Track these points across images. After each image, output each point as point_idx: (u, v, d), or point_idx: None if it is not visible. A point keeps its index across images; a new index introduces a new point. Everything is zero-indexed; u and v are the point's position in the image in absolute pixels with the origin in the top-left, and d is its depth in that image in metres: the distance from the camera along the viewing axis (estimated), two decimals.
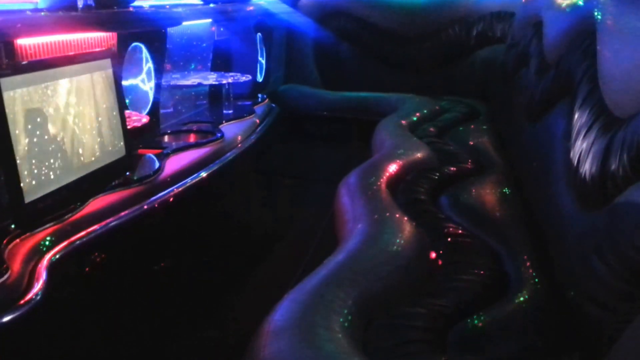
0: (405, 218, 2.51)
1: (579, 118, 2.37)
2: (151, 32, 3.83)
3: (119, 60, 3.41)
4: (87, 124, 2.79)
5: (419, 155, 3.48)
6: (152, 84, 3.95)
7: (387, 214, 2.54)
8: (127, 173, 3.03)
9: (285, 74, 6.47)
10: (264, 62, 5.85)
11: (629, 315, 1.52)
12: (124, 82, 3.59)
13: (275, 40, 6.11)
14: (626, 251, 1.62)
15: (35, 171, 2.41)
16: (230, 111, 4.75)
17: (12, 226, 2.29)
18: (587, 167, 2.08)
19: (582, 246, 1.92)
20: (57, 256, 2.27)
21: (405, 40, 6.29)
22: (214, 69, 5.13)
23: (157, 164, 3.20)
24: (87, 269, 2.51)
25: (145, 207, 2.88)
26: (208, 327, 3.00)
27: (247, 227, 4.10)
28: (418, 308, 1.97)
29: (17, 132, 2.32)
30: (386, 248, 2.23)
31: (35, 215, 2.37)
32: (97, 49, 3.18)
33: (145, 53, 3.89)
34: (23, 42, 2.63)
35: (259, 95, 5.43)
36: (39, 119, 2.46)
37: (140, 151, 3.41)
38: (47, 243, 2.30)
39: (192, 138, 4.01)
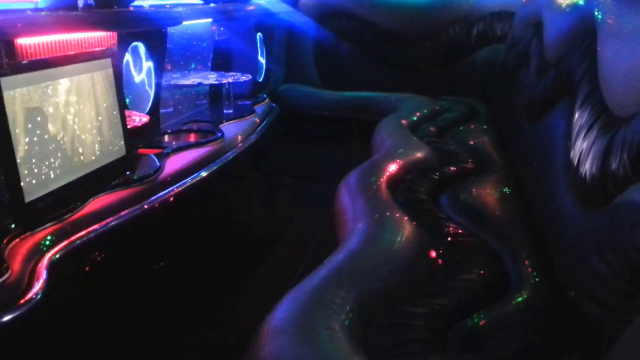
0: (406, 218, 2.51)
1: (579, 118, 2.37)
2: (151, 31, 3.83)
3: (119, 59, 3.41)
4: (87, 123, 2.79)
5: (419, 155, 3.48)
6: (152, 83, 3.95)
7: (387, 214, 2.54)
8: (127, 173, 3.03)
9: (285, 74, 6.47)
10: (264, 61, 5.85)
11: (629, 315, 1.52)
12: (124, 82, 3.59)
13: (276, 40, 6.11)
14: (626, 251, 1.62)
15: (36, 171, 2.41)
16: (231, 111, 4.75)
17: (13, 225, 2.29)
18: (587, 167, 2.08)
19: (582, 246, 1.92)
20: (57, 256, 2.28)
21: (405, 40, 6.29)
22: (214, 68, 5.13)
23: (157, 164, 3.20)
24: (87, 268, 2.51)
25: (145, 206, 2.88)
26: (208, 327, 3.00)
27: (247, 226, 4.10)
28: (418, 307, 1.97)
29: (17, 131, 2.32)
30: (386, 248, 2.23)
31: (36, 215, 2.37)
32: (97, 49, 3.18)
33: (145, 52, 3.89)
34: (23, 41, 2.63)
35: (259, 94, 5.43)
36: (39, 119, 2.46)
37: (141, 151, 3.41)
38: (47, 242, 2.30)
39: (192, 138, 4.01)
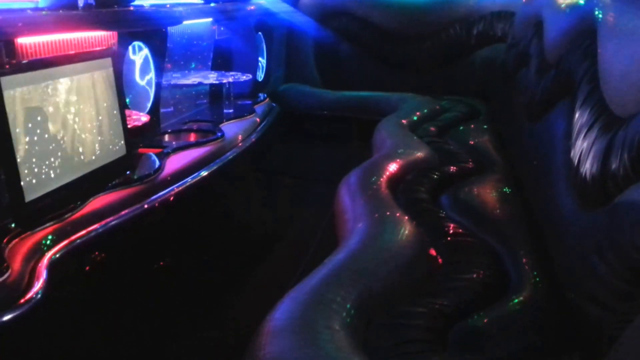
0: (406, 217, 2.51)
1: (579, 117, 2.37)
2: (152, 31, 3.83)
3: (120, 59, 3.41)
4: (88, 123, 2.79)
5: (419, 154, 3.48)
6: (152, 83, 3.95)
7: (388, 214, 2.54)
8: (128, 172, 3.03)
9: (285, 74, 6.47)
10: (264, 61, 5.84)
11: (629, 315, 1.52)
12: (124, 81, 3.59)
13: (276, 40, 6.11)
14: (626, 251, 1.62)
15: (36, 170, 2.41)
16: (231, 110, 4.75)
17: (13, 225, 2.29)
18: (587, 167, 2.08)
19: (583, 246, 1.92)
20: (58, 255, 2.27)
21: (405, 39, 6.28)
22: (215, 68, 5.13)
23: (157, 163, 3.20)
24: (87, 268, 2.51)
25: (146, 206, 2.88)
26: (208, 327, 3.00)
27: (247, 226, 4.10)
28: (418, 307, 1.97)
29: (17, 131, 2.32)
30: (386, 247, 2.23)
31: (36, 214, 2.37)
32: (98, 48, 3.18)
33: (145, 52, 3.89)
34: (24, 41, 2.63)
35: (260, 94, 5.43)
36: (39, 118, 2.46)
37: (141, 150, 3.41)
38: (47, 242, 2.30)
39: (192, 137, 4.01)
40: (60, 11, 2.86)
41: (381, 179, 3.00)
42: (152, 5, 3.85)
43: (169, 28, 4.06)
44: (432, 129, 4.46)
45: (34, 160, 2.40)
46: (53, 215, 2.42)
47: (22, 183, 2.32)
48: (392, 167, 3.18)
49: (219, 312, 3.12)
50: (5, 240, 2.19)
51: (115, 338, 2.62)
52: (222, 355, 2.78)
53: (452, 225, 2.60)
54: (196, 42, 4.81)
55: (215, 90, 5.02)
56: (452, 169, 3.40)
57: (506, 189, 3.11)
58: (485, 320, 1.96)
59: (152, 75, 3.95)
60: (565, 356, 1.85)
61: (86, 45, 3.09)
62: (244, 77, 4.82)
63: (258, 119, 4.74)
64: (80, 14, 2.95)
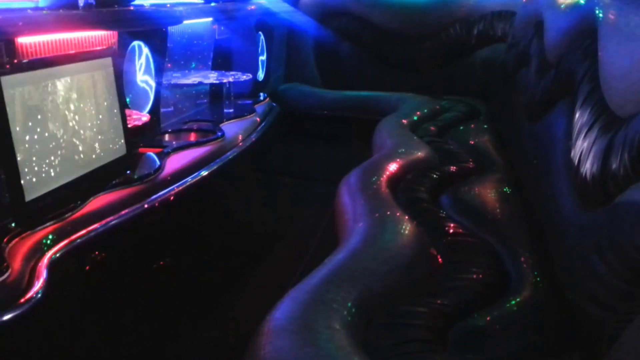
0: (406, 217, 2.51)
1: (579, 117, 2.37)
2: (152, 30, 3.83)
3: (120, 58, 3.41)
4: (88, 122, 2.79)
5: (419, 154, 3.48)
6: (152, 82, 3.95)
7: (388, 213, 2.54)
8: (128, 172, 3.03)
9: (285, 73, 6.47)
10: (264, 61, 5.84)
11: (629, 315, 1.52)
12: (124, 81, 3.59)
13: (276, 39, 6.11)
14: (627, 251, 1.62)
15: (36, 169, 2.41)
16: (231, 110, 4.75)
17: (13, 224, 2.29)
18: (587, 167, 2.08)
19: (583, 246, 1.92)
20: (58, 255, 2.27)
21: (405, 39, 6.28)
22: (215, 67, 5.13)
23: (157, 163, 3.20)
24: (87, 267, 2.51)
25: (146, 206, 2.88)
26: (208, 327, 2.99)
27: (247, 226, 4.10)
28: (418, 307, 1.97)
29: (17, 130, 2.32)
30: (387, 247, 2.23)
31: (36, 214, 2.37)
32: (98, 48, 3.18)
33: (146, 52, 3.89)
34: (24, 40, 2.63)
35: (260, 94, 5.43)
36: (39, 118, 2.46)
37: (141, 150, 3.41)
38: (47, 242, 2.30)
39: (192, 137, 4.01)
40: (61, 11, 2.86)
41: (381, 179, 3.00)
42: (152, 5, 3.85)
43: (169, 28, 4.06)
44: (432, 128, 4.46)
45: (34, 159, 2.40)
46: (53, 215, 2.42)
47: (22, 182, 2.32)
48: (392, 167, 3.18)
49: (219, 312, 3.12)
50: (5, 240, 2.19)
51: (115, 338, 2.62)
52: (222, 355, 2.78)
53: (452, 225, 2.60)
54: (196, 41, 4.81)
55: (216, 90, 5.02)
56: (452, 168, 3.40)
57: (506, 189, 3.11)
58: (485, 320, 1.96)
59: (152, 74, 3.95)
60: (565, 356, 1.85)
61: (86, 45, 3.09)
62: (244, 76, 4.82)
63: (258, 119, 4.74)
64: (80, 14, 2.95)
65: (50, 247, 2.28)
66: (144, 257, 2.99)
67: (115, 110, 3.01)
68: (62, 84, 2.63)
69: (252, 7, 5.36)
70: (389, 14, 6.30)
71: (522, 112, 3.51)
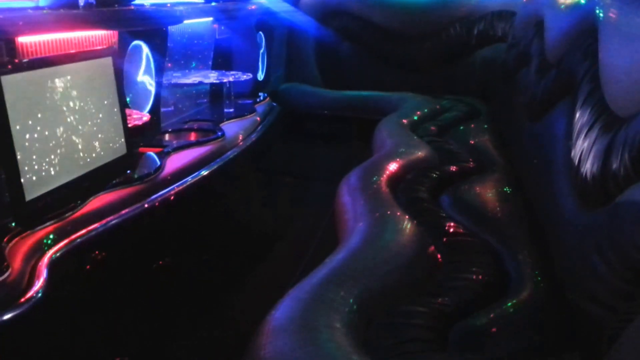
0: (406, 217, 2.51)
1: (580, 117, 2.37)
2: (152, 30, 3.83)
3: (120, 58, 3.41)
4: (88, 122, 2.79)
5: (419, 154, 3.48)
6: (152, 82, 3.95)
7: (388, 213, 2.54)
8: (128, 171, 3.03)
9: (286, 73, 6.47)
10: (265, 60, 5.84)
11: (629, 315, 1.52)
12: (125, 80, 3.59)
13: (276, 39, 6.11)
14: (627, 250, 1.62)
15: (36, 169, 2.41)
16: (231, 110, 4.75)
17: (13, 224, 2.29)
18: (588, 167, 2.08)
19: (583, 245, 1.92)
20: (58, 254, 2.28)
21: (406, 39, 6.28)
22: (215, 67, 5.13)
23: (157, 163, 3.20)
24: (87, 267, 2.51)
25: (146, 205, 2.88)
26: (208, 327, 2.99)
27: (247, 226, 4.10)
28: (418, 307, 1.97)
29: (18, 130, 2.32)
30: (387, 247, 2.23)
31: (36, 214, 2.37)
32: (98, 47, 3.18)
33: (146, 51, 3.89)
34: (24, 40, 2.63)
35: (260, 94, 5.43)
36: (39, 117, 2.46)
37: (141, 149, 3.41)
38: (47, 241, 2.30)
39: (193, 136, 4.01)
40: (61, 10, 2.86)
41: (381, 179, 3.00)
42: (152, 5, 3.85)
43: (169, 27, 4.06)
44: (433, 128, 4.46)
45: (34, 159, 2.40)
46: (53, 214, 2.42)
47: (22, 182, 2.32)
48: (393, 167, 3.18)
49: (219, 312, 3.12)
50: (5, 239, 2.20)
51: (115, 337, 2.62)
52: (222, 355, 2.78)
53: (452, 224, 2.60)
54: (197, 41, 4.81)
55: (216, 90, 5.02)
56: (453, 168, 3.40)
57: (506, 189, 3.11)
58: (485, 320, 1.96)
59: (152, 74, 3.95)
60: (565, 356, 1.85)
61: (87, 44, 3.09)
62: (245, 76, 4.82)
63: (258, 119, 4.74)
64: (80, 13, 2.95)
65: (50, 246, 2.29)
66: (144, 257, 2.98)
67: (115, 110, 3.02)
68: (63, 83, 2.63)
69: (253, 6, 5.36)
70: (390, 14, 6.30)
71: (522, 112, 3.51)
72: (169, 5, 4.06)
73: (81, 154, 2.72)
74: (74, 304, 2.38)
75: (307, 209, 4.49)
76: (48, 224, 2.37)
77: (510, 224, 2.69)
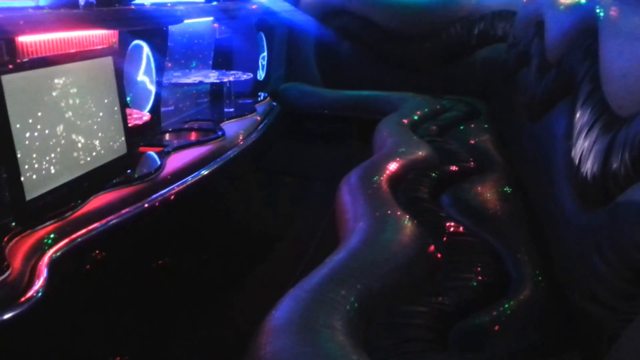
0: (407, 216, 2.51)
1: (580, 117, 2.37)
2: (152, 30, 3.83)
3: (120, 58, 3.41)
4: (88, 121, 2.79)
5: (420, 154, 3.48)
6: (153, 81, 3.95)
7: (388, 213, 2.54)
8: (128, 171, 3.03)
9: (286, 73, 6.47)
10: (265, 60, 5.84)
11: (629, 315, 1.52)
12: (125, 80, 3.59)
13: (277, 39, 6.11)
14: (627, 250, 1.62)
15: (37, 169, 2.41)
16: (232, 109, 4.75)
17: (13, 224, 2.29)
18: (588, 166, 2.08)
19: (583, 245, 1.92)
20: (58, 254, 2.28)
21: (406, 39, 6.28)
22: (215, 67, 5.13)
23: (158, 162, 3.20)
24: (87, 266, 2.51)
25: (146, 205, 2.88)
26: (208, 327, 2.99)
27: (247, 225, 4.10)
28: (419, 307, 1.97)
29: (18, 129, 2.32)
30: (387, 246, 2.23)
31: (36, 213, 2.37)
32: (99, 47, 3.18)
33: (146, 51, 3.89)
34: (25, 39, 2.63)
35: (260, 93, 5.43)
36: (40, 117, 2.46)
37: (142, 149, 3.41)
38: (47, 241, 2.30)
39: (193, 136, 4.01)
40: (61, 10, 2.86)
41: (382, 178, 3.00)
42: (153, 4, 3.85)
43: (170, 27, 4.06)
44: (433, 128, 4.46)
45: (34, 158, 2.40)
46: (54, 214, 2.42)
47: (22, 181, 2.32)
48: (393, 166, 3.18)
49: (219, 312, 3.12)
50: (5, 239, 2.20)
51: (115, 337, 2.62)
52: (222, 355, 2.78)
53: (452, 224, 2.60)
54: (197, 41, 4.81)
55: (216, 89, 5.03)
56: (453, 168, 3.40)
57: (507, 189, 3.10)
58: (485, 320, 1.96)
59: (152, 74, 3.95)
60: (565, 355, 1.85)
61: (87, 44, 3.09)
62: (245, 76, 4.82)
63: (259, 118, 4.74)
64: (81, 13, 2.95)
65: (50, 246, 2.29)
66: (144, 257, 2.99)
67: (115, 109, 3.02)
68: (63, 83, 2.62)
69: (253, 6, 5.36)
70: (390, 14, 6.30)
71: (522, 111, 3.51)
72: (169, 4, 4.06)
73: (81, 154, 2.72)
74: (74, 303, 2.38)
75: (307, 208, 4.49)
76: (48, 223, 2.37)
77: (510, 224, 2.69)
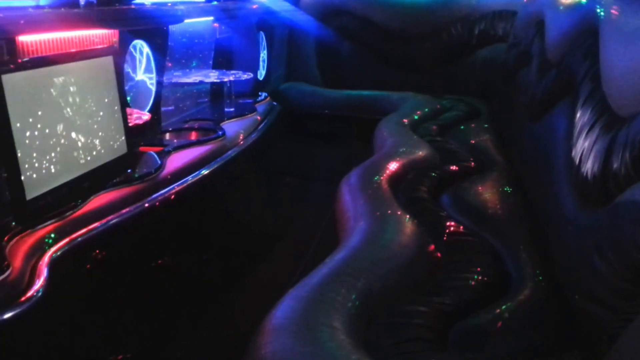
0: (407, 216, 2.51)
1: (580, 117, 2.37)
2: (153, 29, 3.83)
3: (121, 57, 3.41)
4: (89, 121, 2.79)
5: (420, 153, 3.48)
6: (153, 81, 3.95)
7: (389, 212, 2.54)
8: (129, 170, 3.03)
9: (286, 72, 6.47)
10: (265, 60, 5.84)
11: (629, 315, 1.52)
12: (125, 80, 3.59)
13: (277, 39, 6.11)
14: (627, 250, 1.62)
15: (37, 168, 2.41)
16: (232, 109, 4.75)
17: (14, 223, 2.29)
18: (588, 166, 2.08)
19: (583, 245, 1.92)
20: (58, 253, 2.27)
21: (406, 39, 6.29)
22: (216, 66, 5.13)
23: (158, 162, 3.20)
24: (88, 266, 2.51)
25: (146, 204, 2.88)
26: (208, 326, 2.99)
27: (247, 225, 4.10)
28: (419, 306, 1.97)
29: (18, 129, 2.32)
30: (387, 246, 2.23)
31: (37, 212, 2.37)
32: (99, 46, 3.18)
33: (146, 50, 3.89)
34: (25, 38, 2.63)
35: (260, 93, 5.43)
36: (40, 117, 2.46)
37: (142, 149, 3.41)
38: (48, 240, 2.30)
39: (193, 136, 4.01)
40: (62, 9, 2.86)
41: (382, 178, 3.00)
42: (153, 4, 3.85)
43: (170, 26, 4.06)
44: (433, 128, 4.46)
45: (35, 158, 2.40)
46: (54, 214, 2.42)
47: (23, 181, 2.32)
48: (393, 166, 3.18)
49: (219, 312, 3.12)
50: (6, 238, 2.20)
51: (115, 336, 2.62)
52: (222, 355, 2.78)
53: (452, 224, 2.60)
54: (197, 40, 4.81)
55: (216, 89, 5.02)
56: (453, 168, 3.40)
57: (507, 189, 3.11)
58: (485, 320, 1.96)
59: (153, 73, 3.95)
60: (565, 356, 1.85)
61: (87, 43, 3.09)
62: (245, 75, 4.82)
63: (259, 118, 4.74)
64: (81, 12, 2.95)
65: (50, 245, 2.28)
66: (145, 256, 2.98)
67: (116, 109, 3.01)
68: (63, 82, 2.62)
69: (254, 6, 5.36)
70: (390, 14, 6.30)
71: (522, 111, 3.51)
72: (169, 4, 4.06)
73: (82, 153, 2.72)
74: (74, 303, 2.38)
75: (308, 208, 4.49)
76: (48, 223, 2.37)
77: (510, 224, 2.69)
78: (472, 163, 3.53)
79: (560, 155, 2.52)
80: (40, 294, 2.05)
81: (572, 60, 2.80)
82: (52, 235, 2.32)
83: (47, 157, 2.48)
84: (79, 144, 2.71)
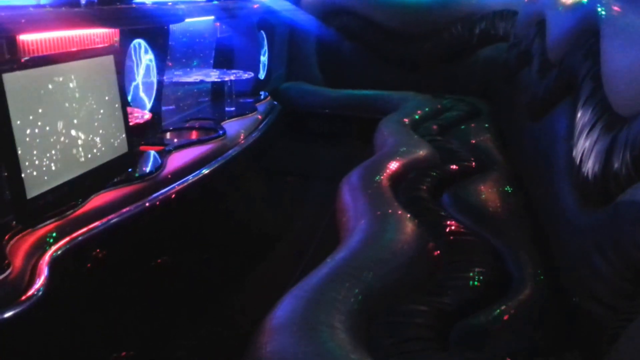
0: (407, 216, 2.51)
1: (581, 117, 2.37)
2: (153, 28, 3.83)
3: (121, 56, 3.41)
4: (89, 120, 2.79)
5: (421, 153, 3.48)
6: (154, 80, 3.95)
7: (389, 212, 2.54)
8: (129, 170, 3.03)
9: (287, 72, 6.47)
10: (266, 59, 5.84)
11: (630, 314, 1.52)
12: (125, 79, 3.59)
13: (278, 38, 6.11)
14: (628, 250, 1.62)
15: (38, 167, 2.41)
16: (233, 108, 4.75)
17: (14, 222, 2.29)
18: (589, 166, 2.08)
19: (584, 244, 1.92)
20: (59, 252, 2.28)
21: (407, 38, 6.28)
22: (216, 66, 5.13)
23: (159, 161, 3.20)
24: (88, 265, 2.51)
25: (147, 204, 2.88)
26: (208, 326, 2.99)
27: (248, 225, 4.09)
28: (419, 306, 1.97)
29: (19, 128, 2.32)
30: (388, 245, 2.23)
31: (37, 212, 2.37)
32: (100, 45, 3.18)
33: (147, 50, 3.89)
34: (26, 37, 2.63)
35: (261, 92, 5.43)
36: (41, 116, 2.46)
37: (142, 148, 3.41)
38: (48, 239, 2.30)
39: (194, 135, 4.01)
40: (63, 8, 2.86)
41: (382, 178, 3.00)
42: (154, 3, 3.85)
43: (171, 25, 4.06)
44: (434, 127, 4.46)
45: (35, 157, 2.40)
46: (54, 213, 2.42)
47: (23, 180, 2.32)
48: (394, 166, 3.18)
49: (219, 311, 3.12)
50: (6, 237, 2.20)
51: (115, 335, 2.62)
52: (222, 355, 2.78)
53: (453, 223, 2.60)
54: (198, 39, 4.81)
55: (217, 88, 5.02)
56: (454, 167, 3.40)
57: (507, 188, 3.10)
58: (486, 319, 1.95)
59: (153, 72, 3.94)
60: (565, 355, 1.85)
61: (88, 43, 3.09)
62: (246, 75, 4.82)
63: (260, 117, 4.74)
64: (82, 11, 2.95)
65: (51, 244, 2.29)
66: (145, 256, 2.98)
67: (116, 108, 3.01)
68: (64, 81, 2.62)
69: (255, 5, 5.36)
70: (391, 13, 6.30)
71: (523, 111, 3.51)
72: (170, 3, 4.06)
73: (82, 152, 2.72)
74: (74, 302, 2.38)
75: (308, 208, 4.49)
76: (49, 222, 2.37)
77: (511, 224, 2.69)
78: (473, 163, 3.53)
79: (560, 155, 2.52)
80: (40, 293, 2.05)
81: (573, 60, 2.79)
82: (53, 235, 2.32)
83: (48, 156, 2.48)
84: (80, 143, 2.71)
